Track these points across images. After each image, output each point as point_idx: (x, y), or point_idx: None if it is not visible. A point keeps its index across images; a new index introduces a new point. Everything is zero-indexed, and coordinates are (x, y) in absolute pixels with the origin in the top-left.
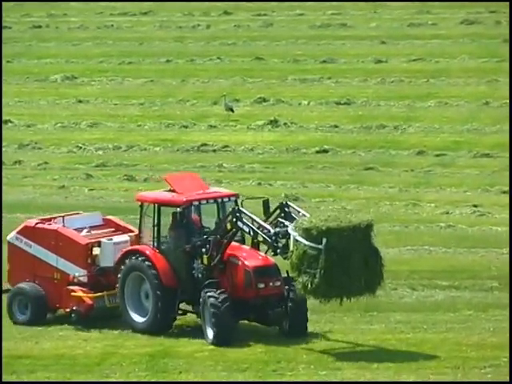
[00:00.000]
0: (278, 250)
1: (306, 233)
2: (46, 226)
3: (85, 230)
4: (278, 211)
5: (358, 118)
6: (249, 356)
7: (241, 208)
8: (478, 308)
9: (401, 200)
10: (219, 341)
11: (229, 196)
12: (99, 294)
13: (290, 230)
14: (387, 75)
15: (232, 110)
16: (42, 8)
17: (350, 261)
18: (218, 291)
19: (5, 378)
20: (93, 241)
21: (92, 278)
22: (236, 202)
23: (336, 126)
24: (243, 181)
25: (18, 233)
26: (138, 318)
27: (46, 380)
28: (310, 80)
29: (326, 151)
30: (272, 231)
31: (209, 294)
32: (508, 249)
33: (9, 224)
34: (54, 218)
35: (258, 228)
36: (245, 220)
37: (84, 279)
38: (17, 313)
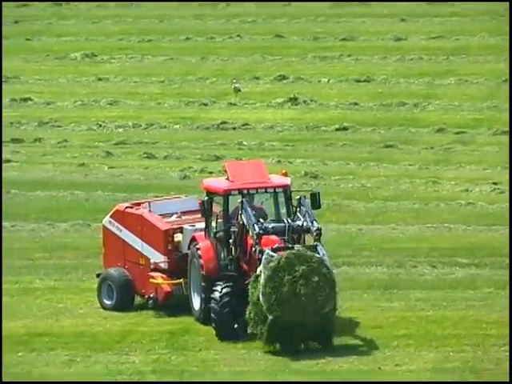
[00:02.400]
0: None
1: (261, 295)
2: (133, 210)
3: (174, 216)
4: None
5: (377, 96)
6: None
7: (244, 201)
8: (497, 285)
9: (421, 178)
10: (220, 339)
11: (275, 187)
12: (177, 281)
13: (264, 256)
14: (407, 53)
15: (239, 90)
16: None
17: (292, 335)
18: (224, 290)
19: (23, 356)
20: (174, 227)
21: (173, 264)
22: (286, 192)
23: (356, 104)
24: (263, 158)
25: (110, 217)
26: (197, 306)
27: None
28: (330, 57)
29: (345, 129)
30: (256, 230)
31: (212, 294)
32: None
33: (27, 201)
34: (143, 202)
35: (249, 223)
36: (245, 214)
37: (164, 265)
38: (105, 297)
